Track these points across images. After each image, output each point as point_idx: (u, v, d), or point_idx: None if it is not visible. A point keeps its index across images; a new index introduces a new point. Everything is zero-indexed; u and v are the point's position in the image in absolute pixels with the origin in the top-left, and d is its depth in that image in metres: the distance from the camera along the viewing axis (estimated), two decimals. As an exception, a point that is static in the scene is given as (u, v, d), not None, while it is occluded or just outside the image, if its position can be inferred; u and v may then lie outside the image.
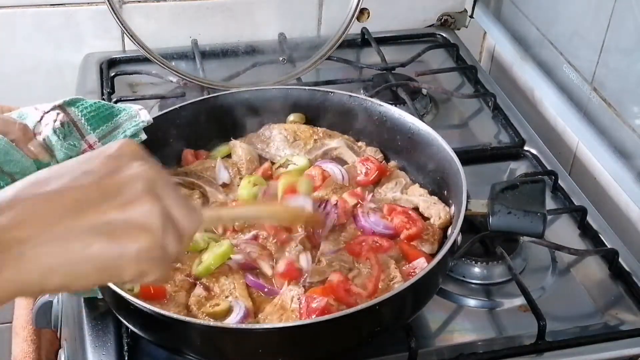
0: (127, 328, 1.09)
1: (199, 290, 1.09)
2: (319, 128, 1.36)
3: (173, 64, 1.60)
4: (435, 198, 1.23)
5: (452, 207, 1.19)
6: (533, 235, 1.13)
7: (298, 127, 1.36)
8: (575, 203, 1.38)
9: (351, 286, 1.09)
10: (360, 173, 1.28)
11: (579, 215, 1.35)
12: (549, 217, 1.20)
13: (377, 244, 1.16)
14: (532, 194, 1.13)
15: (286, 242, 1.15)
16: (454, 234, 1.07)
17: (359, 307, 0.97)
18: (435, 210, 1.20)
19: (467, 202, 1.11)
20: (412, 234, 1.16)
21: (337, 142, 1.34)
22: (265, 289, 1.10)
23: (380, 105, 1.33)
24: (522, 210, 1.10)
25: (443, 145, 1.22)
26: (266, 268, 1.13)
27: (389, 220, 1.19)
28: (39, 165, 1.09)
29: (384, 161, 1.33)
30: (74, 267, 0.66)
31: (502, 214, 1.11)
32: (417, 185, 1.27)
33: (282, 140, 1.34)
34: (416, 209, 1.22)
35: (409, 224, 1.17)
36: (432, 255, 1.14)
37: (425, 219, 1.20)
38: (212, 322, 1.02)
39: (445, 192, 1.23)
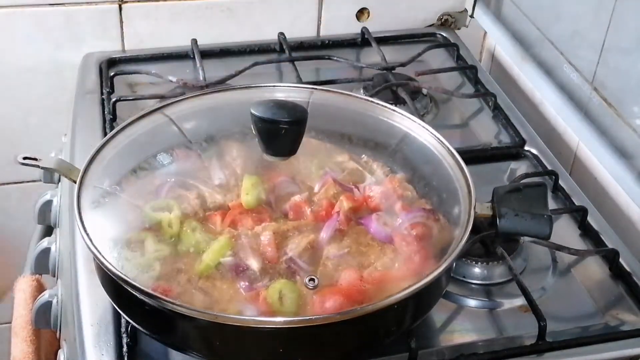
0: (127, 328, 1.09)
1: (200, 297, 1.08)
2: (327, 143, 1.35)
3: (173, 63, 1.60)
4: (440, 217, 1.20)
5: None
6: (541, 237, 1.13)
7: (307, 140, 1.36)
8: (576, 203, 1.38)
9: (365, 279, 1.08)
10: (375, 197, 1.24)
11: (579, 215, 1.35)
12: (549, 218, 1.21)
13: None
14: (535, 197, 1.13)
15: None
16: (464, 238, 1.05)
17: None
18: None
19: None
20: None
21: (343, 157, 1.33)
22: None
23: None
24: (529, 213, 1.11)
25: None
26: (254, 264, 1.12)
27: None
28: None
29: (391, 174, 1.31)
30: None
31: (509, 216, 1.11)
32: (423, 200, 1.26)
33: None
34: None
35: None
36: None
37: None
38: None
39: (444, 194, 1.22)
